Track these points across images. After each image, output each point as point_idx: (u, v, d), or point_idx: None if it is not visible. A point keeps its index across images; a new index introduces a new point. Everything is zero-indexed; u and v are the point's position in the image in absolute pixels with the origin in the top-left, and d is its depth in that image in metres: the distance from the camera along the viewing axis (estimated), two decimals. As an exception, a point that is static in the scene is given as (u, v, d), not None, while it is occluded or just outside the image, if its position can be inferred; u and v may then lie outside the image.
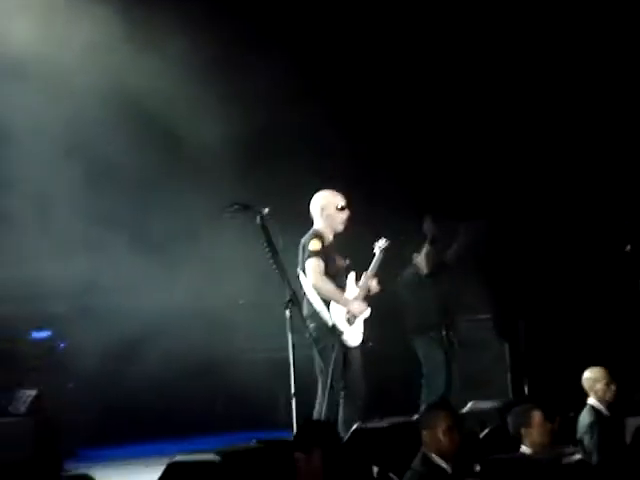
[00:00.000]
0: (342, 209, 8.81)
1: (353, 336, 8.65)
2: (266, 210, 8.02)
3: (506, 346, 11.15)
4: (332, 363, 8.38)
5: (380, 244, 8.96)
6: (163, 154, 10.58)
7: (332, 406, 8.36)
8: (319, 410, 8.33)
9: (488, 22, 11.58)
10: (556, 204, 11.48)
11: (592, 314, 11.11)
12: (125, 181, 10.52)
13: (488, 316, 11.29)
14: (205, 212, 9.99)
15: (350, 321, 8.64)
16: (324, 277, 8.56)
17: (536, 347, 10.76)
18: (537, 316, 10.72)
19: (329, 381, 8.35)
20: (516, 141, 11.72)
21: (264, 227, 7.96)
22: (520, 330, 10.77)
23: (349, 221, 8.80)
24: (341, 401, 8.45)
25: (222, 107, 10.54)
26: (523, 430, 7.47)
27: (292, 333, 7.85)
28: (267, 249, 7.90)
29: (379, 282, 8.88)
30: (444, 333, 10.55)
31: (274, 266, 7.86)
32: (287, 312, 7.86)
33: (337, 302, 8.59)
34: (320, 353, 8.45)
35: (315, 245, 8.59)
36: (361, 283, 8.80)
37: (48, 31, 10.09)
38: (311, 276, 8.56)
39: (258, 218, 7.96)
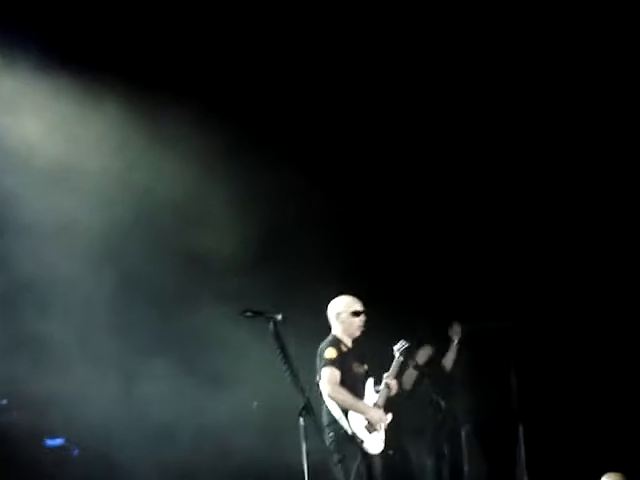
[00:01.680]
0: (357, 314, 8.81)
1: (374, 444, 8.58)
2: (279, 316, 8.01)
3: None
4: (354, 474, 8.31)
5: (399, 346, 8.96)
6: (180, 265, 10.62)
7: None
8: None
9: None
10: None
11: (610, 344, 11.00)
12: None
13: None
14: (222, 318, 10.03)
15: (370, 429, 8.57)
16: (339, 386, 8.52)
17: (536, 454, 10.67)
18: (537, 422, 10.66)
19: None
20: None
21: (277, 333, 7.95)
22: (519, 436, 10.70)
23: (366, 326, 8.80)
24: None
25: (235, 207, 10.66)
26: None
27: (306, 441, 7.84)
28: (280, 356, 7.89)
29: (399, 385, 8.89)
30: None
31: (287, 373, 7.86)
32: (301, 420, 7.85)
33: (355, 410, 8.52)
34: (341, 463, 8.40)
35: (330, 353, 8.61)
36: (381, 387, 8.78)
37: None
38: (326, 386, 8.53)
39: (271, 324, 7.96)
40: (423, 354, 11.05)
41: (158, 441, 10.29)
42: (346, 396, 8.53)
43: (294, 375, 7.84)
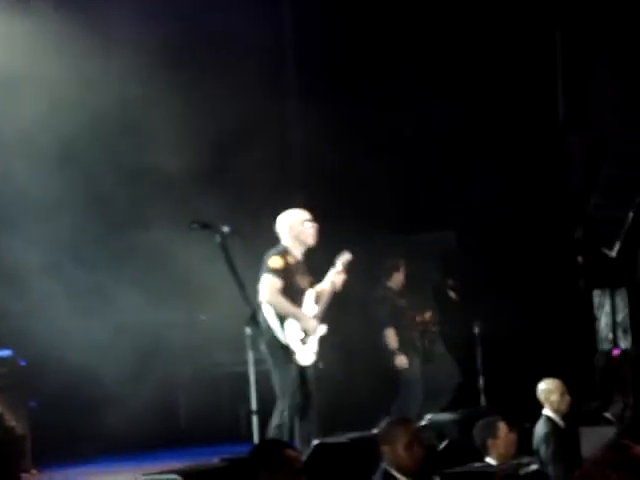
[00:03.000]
0: (309, 222, 8.92)
1: (306, 355, 8.69)
2: (226, 228, 8.06)
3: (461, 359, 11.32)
4: (286, 380, 8.44)
5: (344, 259, 9.02)
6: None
7: (288, 423, 8.41)
8: (274, 426, 8.37)
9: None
10: (510, 215, 11.65)
11: (545, 324, 11.28)
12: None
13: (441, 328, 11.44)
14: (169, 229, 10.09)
15: (304, 340, 8.70)
16: (277, 294, 8.62)
17: (491, 357, 10.89)
18: (491, 327, 10.85)
19: (284, 398, 8.43)
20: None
21: (224, 245, 8.01)
22: (475, 341, 10.91)
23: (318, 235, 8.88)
24: (297, 417, 8.49)
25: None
26: (490, 442, 7.62)
27: (252, 350, 7.96)
28: (227, 267, 7.97)
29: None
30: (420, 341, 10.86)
31: (235, 284, 7.95)
32: (247, 329, 7.95)
33: (292, 317, 8.65)
34: (273, 369, 8.56)
35: (274, 262, 8.67)
36: (322, 287, 8.86)
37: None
38: (265, 292, 8.64)
39: (218, 236, 8.02)
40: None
41: (106, 352, 10.41)
42: (283, 303, 8.62)
43: (241, 286, 7.89)
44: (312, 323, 8.71)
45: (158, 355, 10.99)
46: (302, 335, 8.66)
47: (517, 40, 11.76)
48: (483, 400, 10.63)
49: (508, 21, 11.79)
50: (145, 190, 10.72)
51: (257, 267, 8.71)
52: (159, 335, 10.91)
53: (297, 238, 8.86)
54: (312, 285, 8.91)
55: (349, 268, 8.94)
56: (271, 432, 8.33)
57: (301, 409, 8.50)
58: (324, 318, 8.83)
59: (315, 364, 8.76)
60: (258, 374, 7.90)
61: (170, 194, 10.95)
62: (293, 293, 8.71)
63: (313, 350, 8.75)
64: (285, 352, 8.54)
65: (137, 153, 10.50)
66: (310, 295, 8.87)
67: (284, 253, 8.77)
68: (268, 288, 8.60)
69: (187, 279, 10.74)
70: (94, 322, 10.52)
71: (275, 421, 8.41)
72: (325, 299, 8.86)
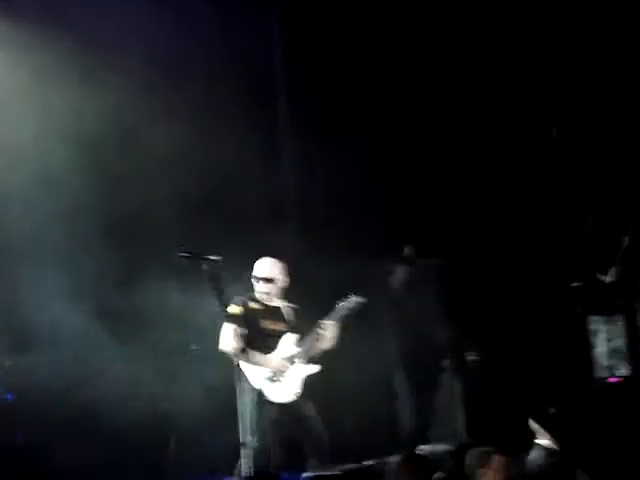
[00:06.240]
0: (257, 280, 9.12)
1: (277, 393, 8.95)
2: (214, 257, 8.06)
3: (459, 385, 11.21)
4: (255, 418, 8.64)
5: (349, 303, 9.06)
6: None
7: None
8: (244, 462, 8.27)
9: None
10: (503, 239, 11.57)
11: (540, 352, 11.16)
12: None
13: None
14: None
15: (272, 379, 8.93)
16: (232, 340, 8.80)
17: (485, 385, 10.80)
18: (485, 354, 10.77)
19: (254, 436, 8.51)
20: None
21: (212, 275, 7.98)
22: (467, 368, 10.83)
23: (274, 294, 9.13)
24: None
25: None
26: (482, 471, 7.51)
27: (239, 382, 7.94)
28: (215, 296, 7.95)
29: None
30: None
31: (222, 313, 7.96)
32: (235, 360, 7.97)
33: (247, 362, 8.87)
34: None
35: (230, 309, 8.79)
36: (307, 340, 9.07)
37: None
38: (221, 339, 8.96)
39: (205, 265, 8.00)
40: None
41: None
42: (238, 350, 8.74)
43: (228, 316, 7.93)
44: (274, 363, 8.92)
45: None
46: (270, 374, 8.95)
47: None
48: (476, 429, 10.53)
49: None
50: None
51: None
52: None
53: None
54: (292, 329, 9.13)
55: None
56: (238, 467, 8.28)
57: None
58: (313, 359, 9.07)
59: (298, 403, 8.99)
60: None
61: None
62: (258, 337, 8.97)
63: (288, 387, 8.96)
64: (254, 393, 8.83)
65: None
66: (288, 338, 9.07)
67: (247, 300, 9.07)
68: (225, 334, 8.87)
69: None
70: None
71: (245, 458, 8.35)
72: (308, 343, 9.07)
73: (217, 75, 11.29)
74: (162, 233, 10.66)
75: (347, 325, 9.23)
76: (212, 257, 8.05)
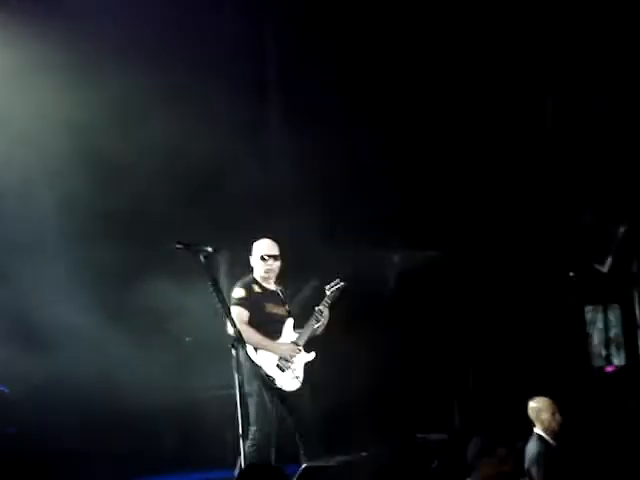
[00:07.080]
0: (263, 259, 8.95)
1: (287, 381, 8.81)
2: (210, 249, 8.02)
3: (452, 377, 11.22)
4: (259, 408, 8.57)
5: (333, 285, 9.04)
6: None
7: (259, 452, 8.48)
8: (247, 452, 8.16)
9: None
10: (500, 230, 11.57)
11: (537, 341, 11.17)
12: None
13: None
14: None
15: (282, 367, 8.79)
16: (245, 325, 8.69)
17: (482, 375, 10.80)
18: (482, 344, 10.77)
19: (255, 426, 8.53)
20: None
21: (208, 266, 7.96)
22: (466, 358, 10.83)
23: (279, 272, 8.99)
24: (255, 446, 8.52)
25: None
26: (483, 460, 7.48)
27: (238, 372, 7.87)
28: (211, 288, 7.92)
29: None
30: None
31: (219, 305, 7.90)
32: (233, 351, 7.89)
33: (262, 348, 8.76)
34: (249, 397, 8.57)
35: (235, 293, 8.81)
36: (305, 326, 8.98)
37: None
38: (233, 323, 8.60)
39: (201, 257, 7.97)
40: None
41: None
42: (251, 334, 8.67)
43: (225, 306, 7.87)
44: (285, 349, 8.82)
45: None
46: (279, 362, 8.80)
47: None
48: (474, 419, 10.53)
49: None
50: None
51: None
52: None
53: (256, 270, 9.05)
54: (289, 314, 9.04)
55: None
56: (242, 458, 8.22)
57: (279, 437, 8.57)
58: (310, 345, 8.92)
59: (300, 390, 8.84)
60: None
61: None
62: (265, 321, 8.86)
63: (296, 376, 8.85)
64: (261, 380, 8.64)
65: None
66: (289, 323, 8.99)
67: (250, 283, 8.95)
68: (235, 318, 8.49)
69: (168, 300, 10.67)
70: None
71: (248, 449, 8.27)
72: (309, 327, 8.98)
73: (210, 68, 11.27)
74: (158, 226, 10.66)
75: (345, 316, 9.22)
76: (208, 248, 8.03)
